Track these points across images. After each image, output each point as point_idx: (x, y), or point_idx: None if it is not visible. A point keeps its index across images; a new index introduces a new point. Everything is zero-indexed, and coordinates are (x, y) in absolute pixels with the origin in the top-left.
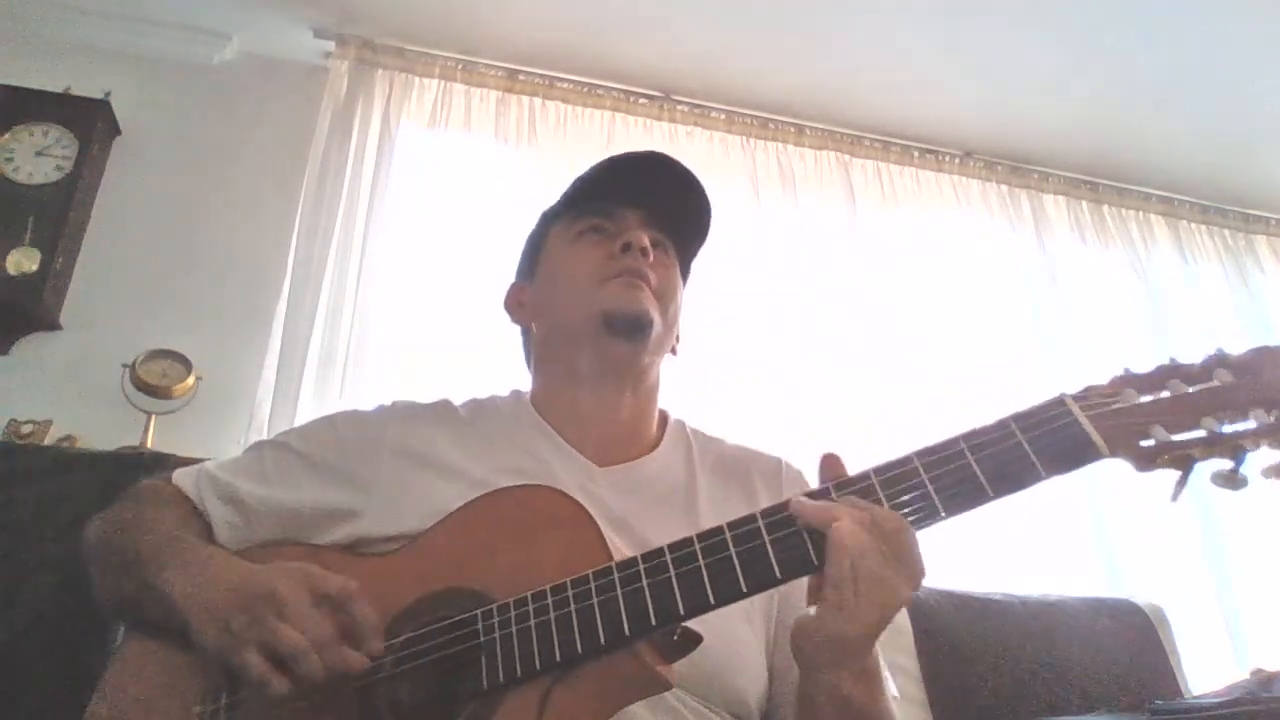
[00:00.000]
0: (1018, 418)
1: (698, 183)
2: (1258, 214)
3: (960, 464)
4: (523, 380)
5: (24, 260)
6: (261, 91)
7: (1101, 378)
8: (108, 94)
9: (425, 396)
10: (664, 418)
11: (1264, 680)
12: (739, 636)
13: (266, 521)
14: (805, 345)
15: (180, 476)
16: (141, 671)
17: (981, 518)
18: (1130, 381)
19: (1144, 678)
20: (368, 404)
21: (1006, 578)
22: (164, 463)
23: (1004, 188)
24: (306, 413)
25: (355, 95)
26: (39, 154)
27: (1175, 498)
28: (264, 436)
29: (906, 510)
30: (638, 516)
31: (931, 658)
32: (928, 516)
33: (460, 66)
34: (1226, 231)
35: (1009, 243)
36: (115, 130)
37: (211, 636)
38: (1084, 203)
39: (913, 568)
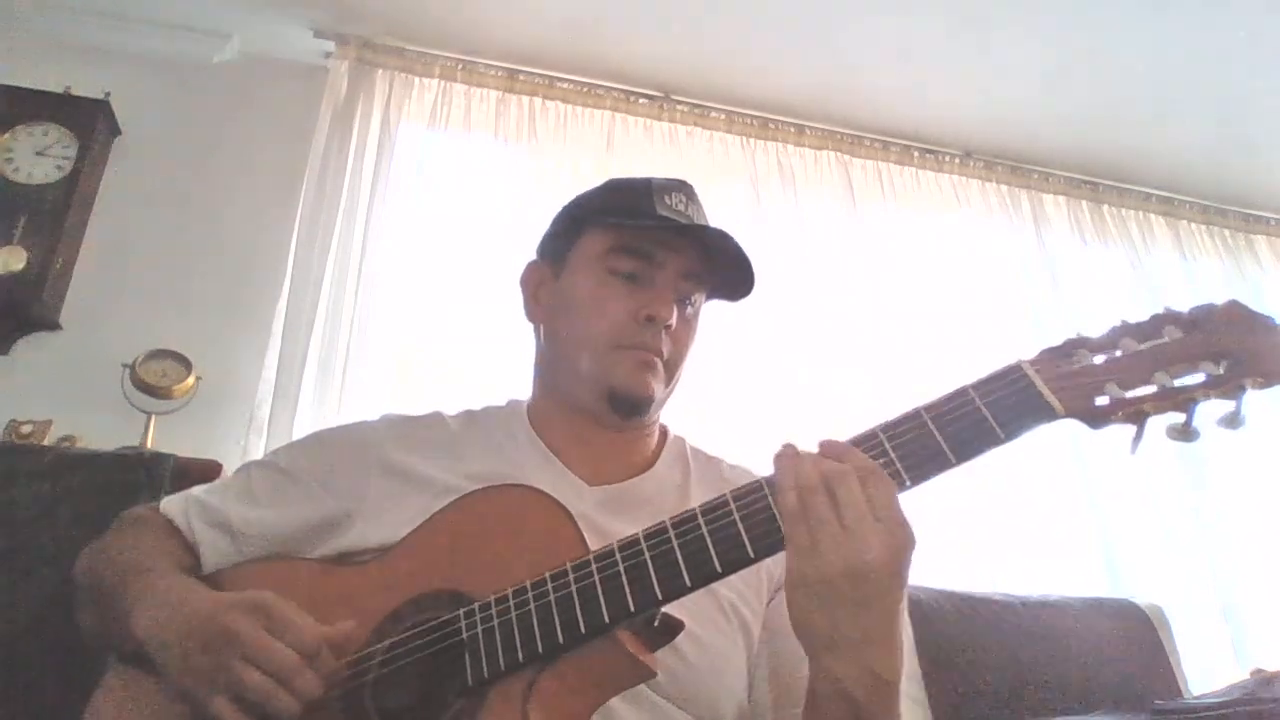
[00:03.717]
0: (976, 385)
1: (749, 263)
2: (1258, 214)
3: (922, 432)
4: (522, 381)
5: (10, 259)
6: (261, 91)
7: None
8: (108, 94)
9: (424, 396)
10: (664, 434)
11: (1264, 680)
12: (720, 651)
13: (256, 543)
14: (805, 345)
15: (168, 504)
16: (125, 701)
17: (981, 518)
18: (1084, 344)
19: (1144, 678)
20: (363, 411)
21: (1006, 578)
22: (164, 463)
23: (1004, 188)
24: (306, 413)
25: (355, 95)
26: (39, 154)
27: (1134, 450)
28: (264, 437)
29: None
30: (624, 532)
31: (931, 658)
32: (895, 485)
33: (460, 66)
34: (1226, 231)
35: (1009, 243)
36: (115, 130)
37: (176, 676)
38: (1084, 203)
39: (889, 521)
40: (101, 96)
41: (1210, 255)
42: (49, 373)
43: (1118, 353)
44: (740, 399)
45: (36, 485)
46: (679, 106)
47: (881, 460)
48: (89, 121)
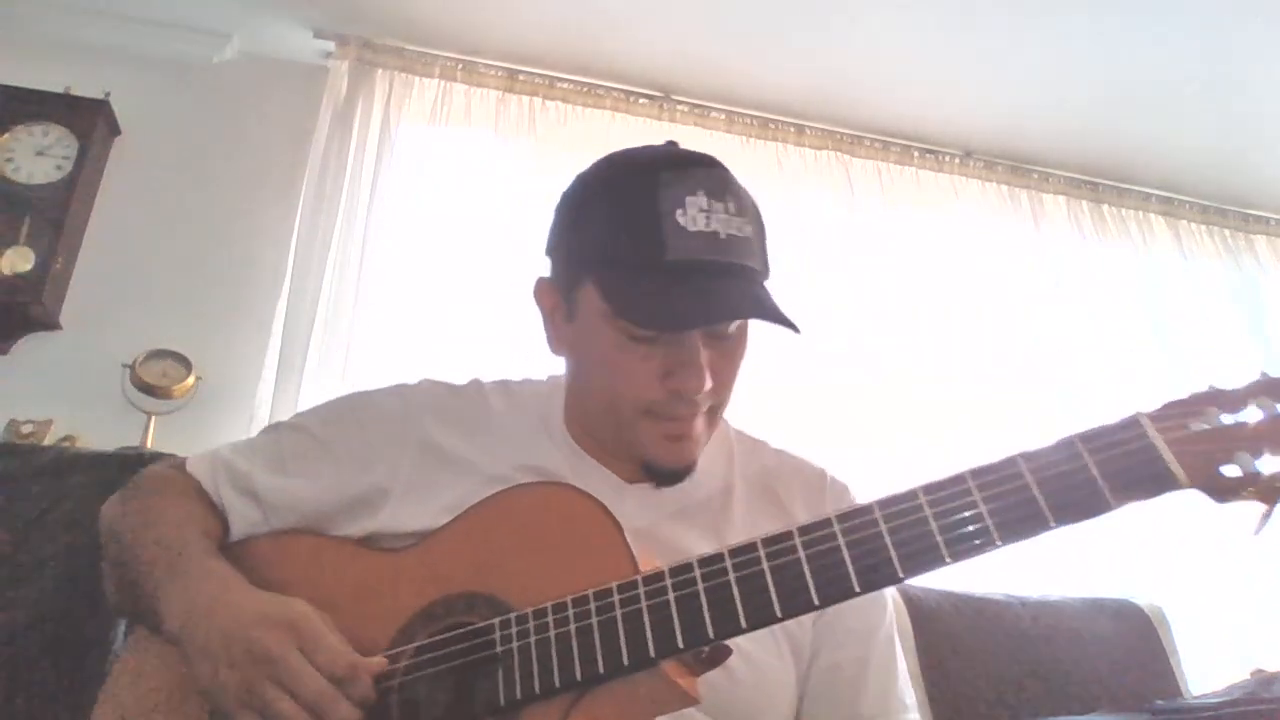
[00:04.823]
0: (1085, 437)
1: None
2: (1258, 214)
3: (1019, 485)
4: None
5: (18, 260)
6: (261, 91)
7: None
8: (108, 94)
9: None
10: None
11: (1264, 680)
12: (769, 668)
13: (284, 515)
14: (804, 346)
15: (195, 465)
16: (149, 675)
17: None
18: (1213, 399)
19: (1144, 678)
20: (392, 380)
21: (1006, 578)
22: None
23: (1004, 187)
24: None
25: (355, 95)
26: (39, 154)
27: (1258, 531)
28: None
29: (957, 535)
30: (665, 531)
31: (931, 658)
32: (983, 544)
33: (460, 66)
34: (1226, 231)
35: (1009, 243)
36: (115, 130)
37: (205, 679)
38: (1084, 202)
39: None
40: (101, 96)
41: (1210, 255)
42: (49, 373)
43: (1251, 411)
44: (736, 398)
45: (36, 485)
46: (679, 106)
47: (970, 513)
48: (89, 121)
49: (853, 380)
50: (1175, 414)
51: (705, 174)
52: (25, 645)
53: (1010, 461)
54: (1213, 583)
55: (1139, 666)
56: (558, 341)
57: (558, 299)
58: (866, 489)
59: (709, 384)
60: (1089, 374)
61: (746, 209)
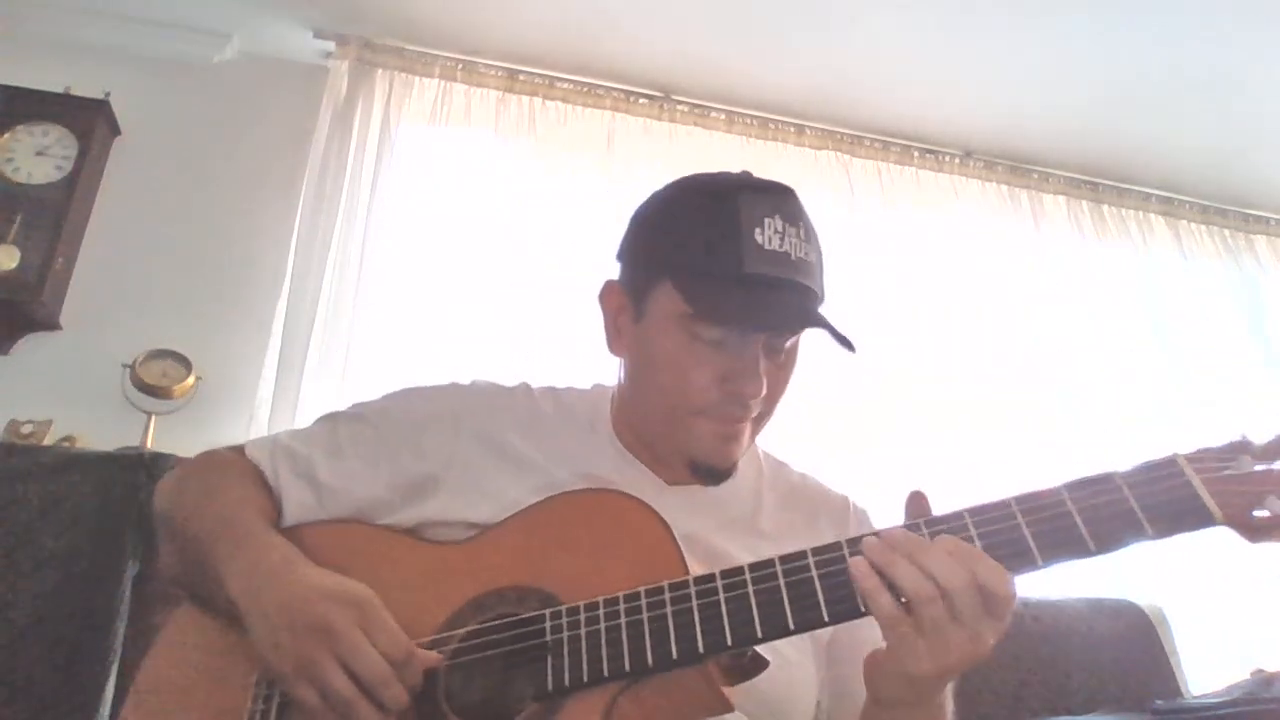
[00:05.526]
0: (1125, 474)
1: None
2: (1258, 214)
3: (1061, 512)
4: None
5: (4, 258)
6: (261, 91)
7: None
8: (108, 94)
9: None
10: None
11: (1264, 680)
12: (796, 664)
13: (340, 499)
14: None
15: (255, 449)
16: (191, 646)
17: None
18: (1246, 448)
19: (1144, 678)
20: (392, 380)
21: None
22: (164, 463)
23: (1004, 187)
24: (307, 413)
25: (355, 95)
26: (39, 154)
27: None
28: (264, 436)
29: (1005, 555)
30: (704, 535)
31: None
32: (1025, 564)
33: (460, 66)
34: (1226, 231)
35: (1009, 243)
36: (115, 130)
37: (264, 647)
38: (1084, 202)
39: (1002, 617)
40: (101, 96)
41: (1210, 255)
42: (49, 373)
43: None
44: None
45: (36, 485)
46: (679, 106)
47: (1014, 536)
48: (89, 121)
49: (852, 380)
50: (1210, 458)
51: (780, 200)
52: (25, 645)
53: (1054, 491)
54: (1213, 583)
55: (1139, 666)
56: (619, 342)
57: (626, 300)
58: (867, 489)
59: (764, 389)
60: (1089, 374)
61: (812, 237)
